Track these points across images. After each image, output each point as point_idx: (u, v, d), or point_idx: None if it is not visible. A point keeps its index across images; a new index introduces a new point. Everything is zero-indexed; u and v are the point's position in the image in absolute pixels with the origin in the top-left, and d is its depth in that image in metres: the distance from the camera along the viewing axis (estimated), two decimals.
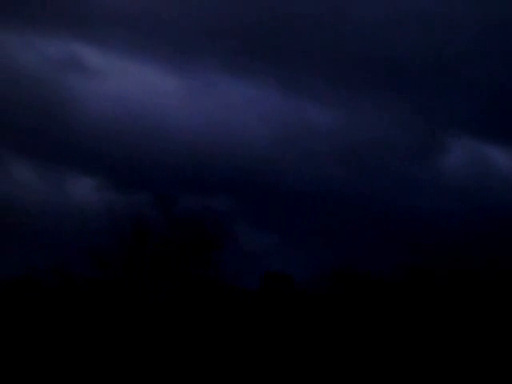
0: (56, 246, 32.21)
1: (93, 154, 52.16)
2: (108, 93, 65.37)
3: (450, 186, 51.45)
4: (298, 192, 45.97)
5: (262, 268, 33.31)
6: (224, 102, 66.27)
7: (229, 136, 59.32)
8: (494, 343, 27.12)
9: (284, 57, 65.75)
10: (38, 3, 64.11)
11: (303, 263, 35.99)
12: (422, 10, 64.43)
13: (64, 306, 29.57)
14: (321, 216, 43.55)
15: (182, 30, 67.98)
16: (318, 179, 51.19)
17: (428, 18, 64.98)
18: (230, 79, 68.38)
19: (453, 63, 64.30)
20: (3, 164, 51.20)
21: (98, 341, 28.18)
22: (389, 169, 56.11)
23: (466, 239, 30.67)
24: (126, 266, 30.24)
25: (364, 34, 64.67)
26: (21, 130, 53.85)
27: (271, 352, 28.97)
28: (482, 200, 45.43)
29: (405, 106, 63.74)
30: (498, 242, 30.76)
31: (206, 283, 30.90)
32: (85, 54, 69.53)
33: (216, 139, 57.09)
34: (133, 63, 69.43)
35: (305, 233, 40.62)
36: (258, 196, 44.11)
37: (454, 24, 64.62)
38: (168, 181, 43.03)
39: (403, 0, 66.63)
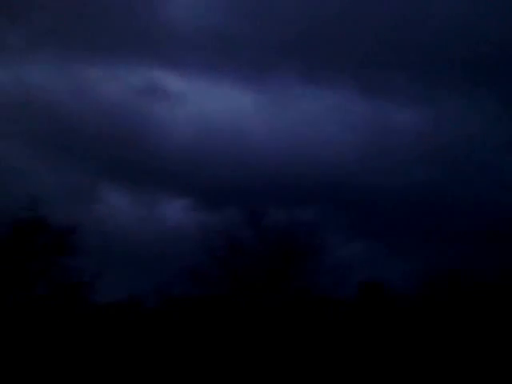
0: (155, 267, 33.37)
1: (181, 176, 53.54)
2: (190, 115, 67.31)
3: None
4: (388, 197, 44.89)
5: (356, 277, 32.79)
6: (306, 112, 66.18)
7: (314, 146, 59.07)
8: None
9: (364, 61, 64.68)
10: (117, 34, 67.14)
11: (397, 270, 35.19)
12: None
13: (166, 325, 30.55)
14: (413, 220, 42.40)
15: (257, 45, 68.74)
16: (409, 183, 49.82)
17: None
18: (310, 90, 68.28)
19: None
20: (98, 192, 53.43)
21: (202, 355, 28.89)
22: (484, 167, 53.73)
23: None
24: (223, 281, 30.90)
25: (447, 30, 62.60)
26: (110, 157, 56.20)
27: (371, 360, 28.51)
28: None
29: (495, 100, 61.06)
30: None
31: (301, 295, 30.95)
32: (164, 79, 72.24)
33: (301, 150, 57.06)
34: (211, 84, 70.98)
35: (397, 238, 39.67)
36: (347, 204, 43.49)
37: None
38: (257, 195, 43.45)
39: None
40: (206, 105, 70.05)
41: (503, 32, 60.63)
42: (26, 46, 65.23)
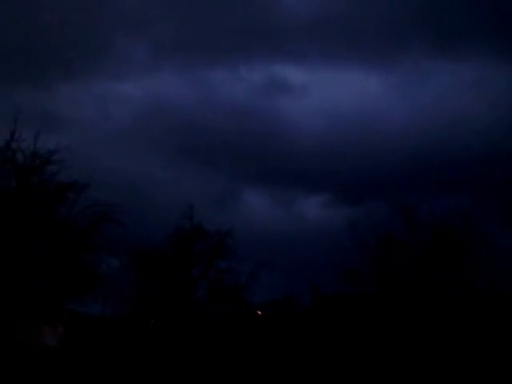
0: (306, 266, 33.39)
1: (315, 171, 52.73)
2: (316, 107, 66.10)
3: None
4: None
5: None
6: (441, 90, 61.89)
7: (455, 126, 54.96)
8: None
9: (504, 24, 58.12)
10: (234, 33, 67.22)
11: None
12: None
13: (321, 325, 30.52)
14: None
15: (378, 22, 64.81)
16: None
17: None
18: (443, 64, 63.68)
19: None
20: (239, 195, 54.15)
21: (358, 353, 28.48)
22: None
23: None
24: (376, 279, 30.19)
25: None
26: (244, 158, 56.63)
27: None
28: None
29: None
30: None
31: (462, 290, 29.46)
32: (285, 72, 71.49)
33: (441, 133, 53.55)
34: (334, 71, 69.03)
35: None
36: (500, 188, 40.28)
37: None
38: (400, 185, 41.74)
39: None
40: (332, 94, 68.44)
41: None
42: (151, 58, 67.88)
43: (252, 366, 28.87)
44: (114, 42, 64.70)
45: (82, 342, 29.59)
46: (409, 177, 43.81)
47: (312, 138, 59.27)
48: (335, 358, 28.75)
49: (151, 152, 56.18)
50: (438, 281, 29.05)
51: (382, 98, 63.71)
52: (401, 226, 30.31)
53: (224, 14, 65.85)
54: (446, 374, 26.35)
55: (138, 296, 29.29)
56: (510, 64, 59.48)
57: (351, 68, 67.62)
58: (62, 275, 23.69)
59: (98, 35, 62.62)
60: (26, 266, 22.67)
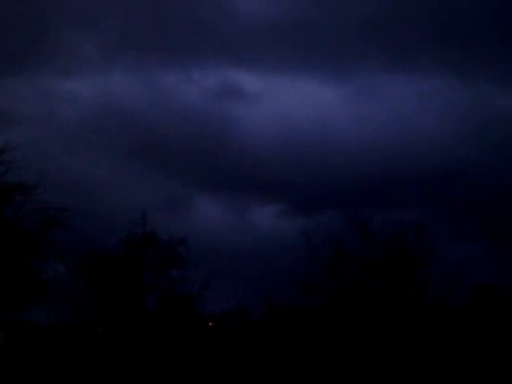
0: (259, 275, 33.15)
1: (268, 180, 52.64)
2: (270, 114, 66.25)
3: None
4: (496, 194, 41.81)
5: (470, 282, 31.06)
6: (395, 102, 63.07)
7: (408, 140, 56.06)
8: None
9: (459, 41, 59.71)
10: (189, 37, 66.83)
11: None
12: None
13: (274, 336, 30.31)
14: None
15: (334, 33, 65.89)
16: None
17: None
18: (398, 76, 64.94)
19: None
20: (188, 202, 53.47)
21: (312, 364, 28.41)
22: None
23: None
24: (329, 289, 30.20)
25: None
26: (197, 164, 56.01)
27: (492, 370, 26.93)
28: None
29: None
30: None
31: (412, 302, 29.77)
32: (240, 79, 71.40)
33: (394, 145, 54.48)
34: (287, 79, 69.24)
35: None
36: (450, 202, 41.17)
37: None
38: (351, 196, 42.11)
39: None
40: (285, 102, 68.65)
41: None
42: (102, 57, 66.69)
43: (203, 376, 28.44)
44: (64, 39, 63.40)
45: (25, 351, 28.53)
46: (363, 188, 44.30)
47: (265, 146, 59.48)
48: (286, 368, 28.65)
49: (101, 153, 55.16)
50: (389, 294, 29.27)
51: (337, 107, 64.56)
52: (354, 238, 30.48)
53: (179, 16, 65.47)
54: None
55: (85, 304, 28.38)
56: (464, 80, 61.27)
57: (306, 77, 68.27)
58: (4, 280, 22.75)
59: (47, 32, 61.16)
60: None
